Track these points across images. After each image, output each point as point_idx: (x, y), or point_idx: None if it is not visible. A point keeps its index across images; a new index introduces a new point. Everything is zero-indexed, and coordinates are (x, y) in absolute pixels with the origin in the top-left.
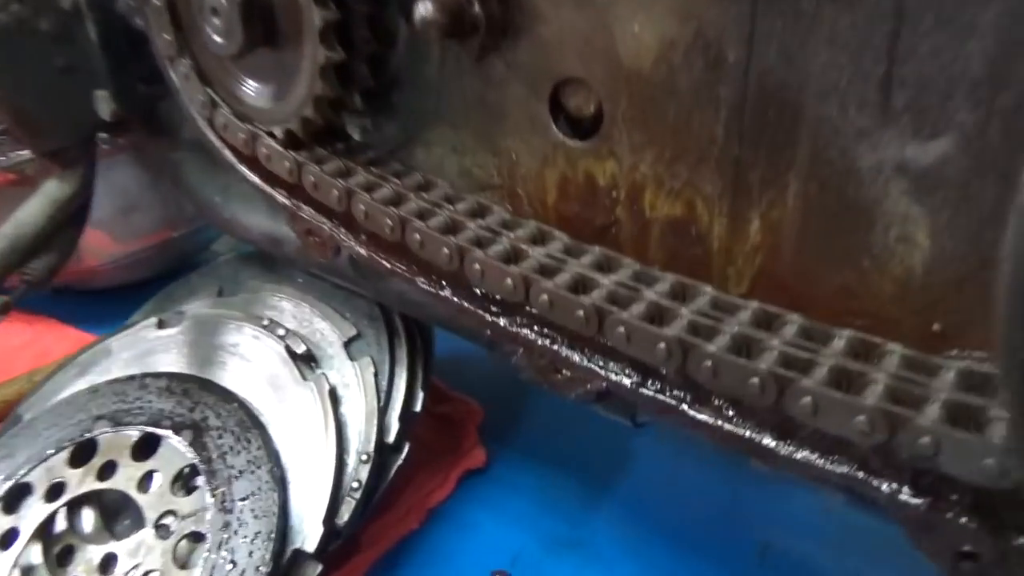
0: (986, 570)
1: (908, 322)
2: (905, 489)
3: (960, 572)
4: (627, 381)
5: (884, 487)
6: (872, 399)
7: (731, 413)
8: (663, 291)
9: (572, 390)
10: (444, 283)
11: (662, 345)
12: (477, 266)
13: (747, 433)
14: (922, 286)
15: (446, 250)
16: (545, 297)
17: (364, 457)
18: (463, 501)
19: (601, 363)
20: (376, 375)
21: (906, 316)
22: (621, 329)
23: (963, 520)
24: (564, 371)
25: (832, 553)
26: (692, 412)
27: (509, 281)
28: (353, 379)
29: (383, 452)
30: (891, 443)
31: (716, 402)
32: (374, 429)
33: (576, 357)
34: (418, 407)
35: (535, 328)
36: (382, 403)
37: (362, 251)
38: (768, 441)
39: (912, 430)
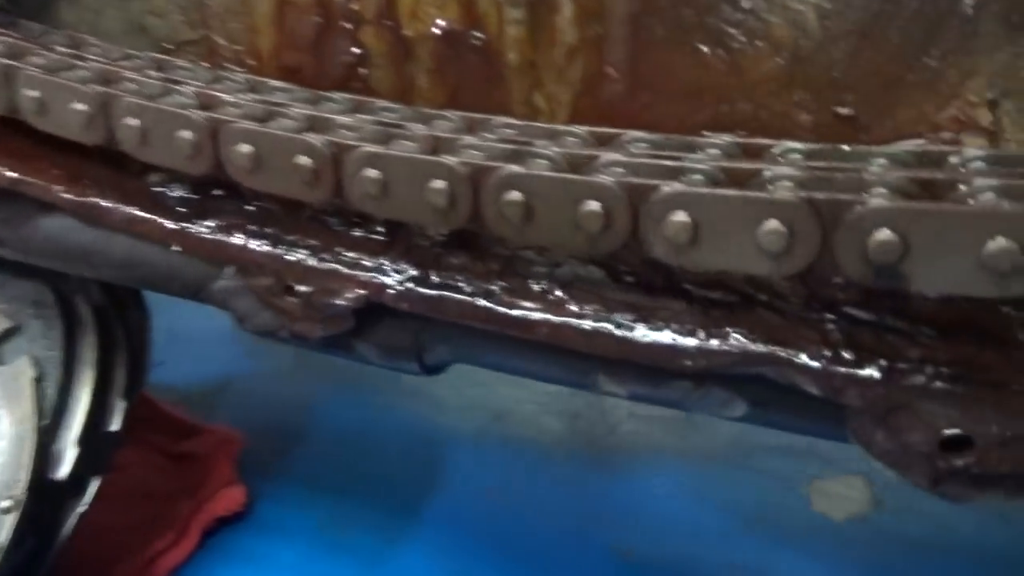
0: (985, 463)
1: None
2: (844, 354)
3: (948, 478)
4: (396, 278)
5: (811, 359)
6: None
7: (561, 295)
8: (440, 128)
9: (317, 321)
10: (104, 186)
11: (439, 184)
12: (133, 121)
13: (588, 324)
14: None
15: (82, 106)
16: (247, 150)
17: (5, 505)
18: (212, 560)
19: (353, 255)
20: (38, 380)
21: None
22: (369, 174)
23: (940, 383)
24: (299, 286)
25: (704, 551)
26: (518, 309)
27: (188, 135)
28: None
29: (48, 494)
30: (817, 268)
31: (541, 287)
32: (27, 459)
33: (313, 259)
34: (114, 424)
35: (249, 226)
36: (47, 420)
37: None
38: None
39: (855, 221)
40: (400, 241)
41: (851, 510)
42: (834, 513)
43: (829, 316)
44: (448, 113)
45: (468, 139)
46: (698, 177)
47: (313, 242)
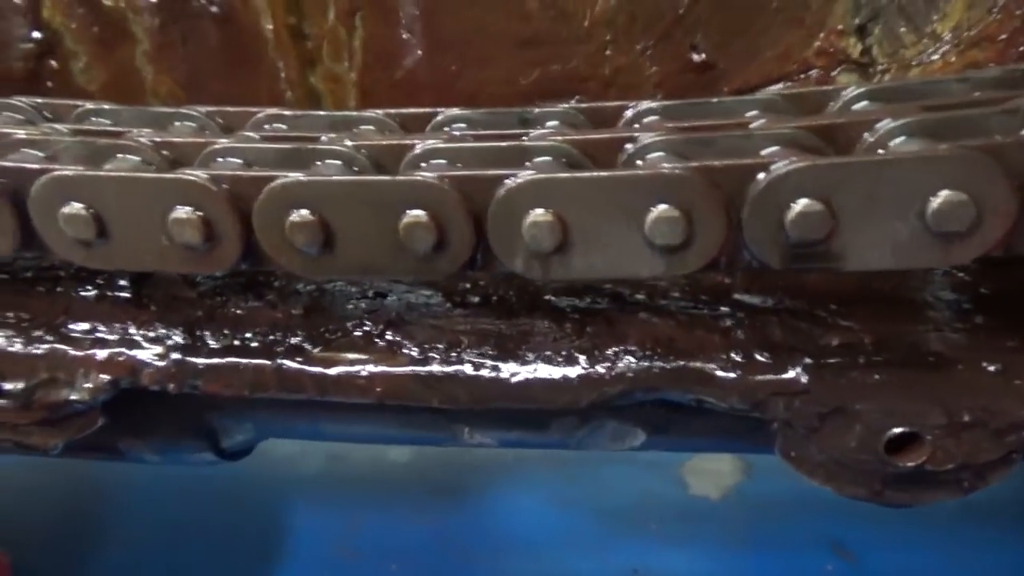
0: (937, 459)
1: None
2: (758, 356)
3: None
4: (156, 350)
5: (721, 369)
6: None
7: (392, 336)
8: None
9: (50, 427)
10: None
11: (184, 213)
12: None
13: (435, 370)
14: None
15: None
16: None
17: None
18: None
19: (85, 326)
20: None
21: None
22: (74, 210)
23: (874, 374)
24: (7, 383)
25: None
26: (337, 366)
27: None
28: None
29: None
30: (725, 260)
31: (364, 330)
32: None
33: (21, 341)
34: None
35: None
36: None
37: None
38: (492, 358)
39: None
40: (155, 297)
41: (725, 484)
42: (711, 492)
43: (723, 309)
44: (188, 110)
45: (222, 143)
46: (545, 159)
47: (20, 315)
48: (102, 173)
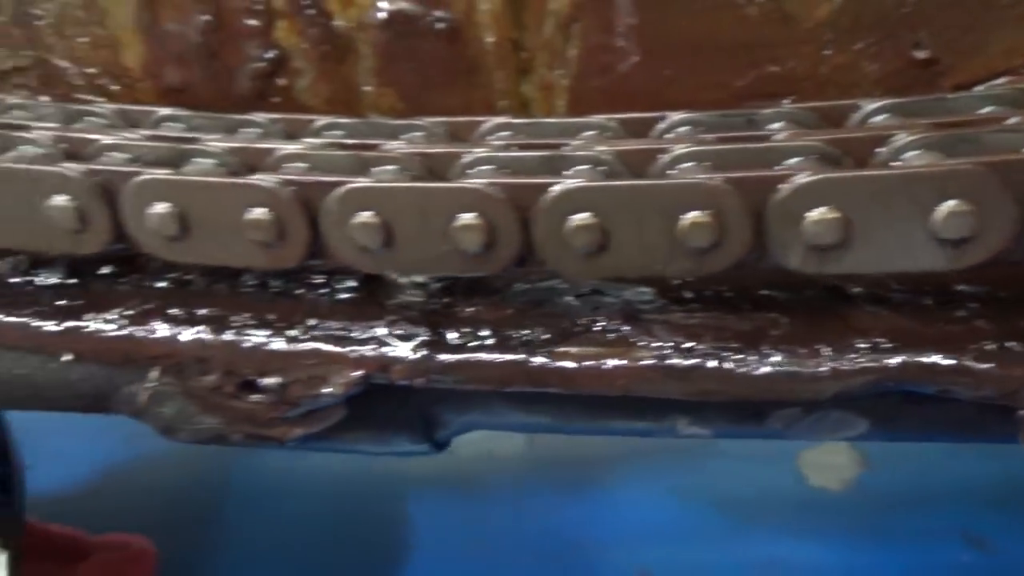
0: None
1: None
2: (1010, 345)
3: None
4: (404, 347)
5: (976, 360)
6: None
7: (628, 330)
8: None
9: (295, 420)
10: None
11: (468, 218)
12: None
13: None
14: None
15: None
16: (168, 211)
17: None
18: None
19: (335, 325)
20: None
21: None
22: (364, 217)
23: None
24: (265, 379)
25: (721, 555)
26: (570, 360)
27: (65, 201)
28: None
29: None
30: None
31: (595, 325)
32: None
33: (280, 341)
34: None
35: (171, 309)
36: None
37: None
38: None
39: None
40: (389, 298)
41: (845, 477)
42: (831, 484)
43: (949, 301)
44: (421, 121)
45: (477, 152)
46: (799, 158)
47: (271, 317)
48: (396, 184)
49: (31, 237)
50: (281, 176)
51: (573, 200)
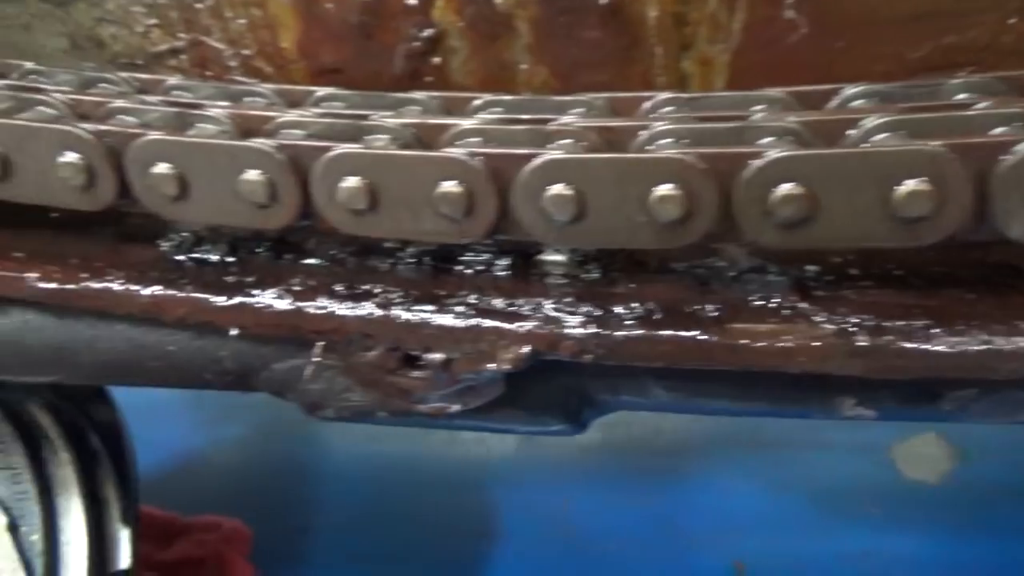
0: None
1: None
2: None
3: None
4: (572, 322)
5: None
6: None
7: (806, 306)
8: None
9: (454, 395)
10: (98, 264)
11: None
12: (163, 169)
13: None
14: None
15: (75, 157)
16: (359, 185)
17: None
18: None
19: (501, 301)
20: (13, 528)
21: None
22: (561, 189)
23: None
24: (430, 354)
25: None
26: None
27: (257, 176)
28: None
29: None
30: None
31: (772, 300)
32: None
33: (447, 316)
34: (122, 561)
35: (335, 286)
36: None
37: None
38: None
39: None
40: (543, 274)
41: (941, 469)
42: (928, 476)
43: None
44: (581, 96)
45: (657, 125)
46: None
47: (437, 292)
48: (592, 156)
49: (222, 212)
50: (470, 149)
51: (780, 169)
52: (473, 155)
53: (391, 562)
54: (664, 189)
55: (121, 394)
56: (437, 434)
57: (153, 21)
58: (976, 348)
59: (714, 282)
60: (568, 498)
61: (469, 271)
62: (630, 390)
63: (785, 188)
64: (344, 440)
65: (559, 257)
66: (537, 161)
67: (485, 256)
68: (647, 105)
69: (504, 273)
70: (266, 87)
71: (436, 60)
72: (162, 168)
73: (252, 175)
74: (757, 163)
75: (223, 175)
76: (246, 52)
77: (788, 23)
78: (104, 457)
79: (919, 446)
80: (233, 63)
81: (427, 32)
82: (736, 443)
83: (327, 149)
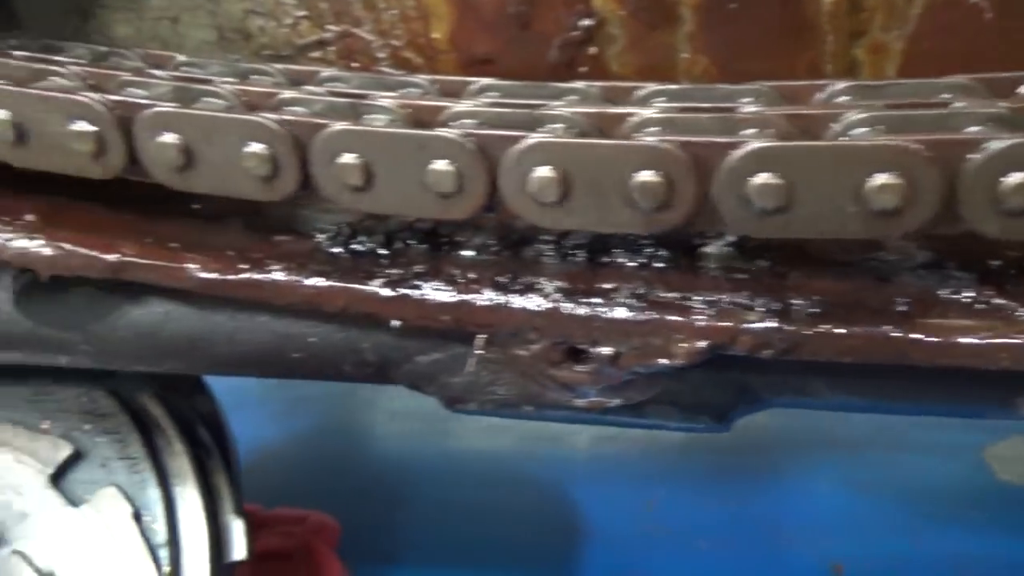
0: None
1: None
2: None
3: None
4: (752, 316)
5: None
6: None
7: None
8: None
9: (614, 389)
10: (256, 256)
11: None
12: (350, 159)
13: None
14: None
15: (260, 148)
16: (554, 175)
17: None
18: None
19: (672, 295)
20: (138, 516)
21: None
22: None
23: None
24: (597, 348)
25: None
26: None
27: (447, 167)
28: (85, 538)
29: None
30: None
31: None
32: None
33: (620, 309)
34: (238, 552)
35: (498, 277)
36: (168, 568)
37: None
38: None
39: None
40: (713, 267)
41: None
42: (1021, 479)
43: None
44: (753, 85)
45: (851, 115)
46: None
47: (603, 286)
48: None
49: (407, 202)
50: (669, 138)
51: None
52: (673, 143)
53: (474, 559)
54: (883, 177)
55: None
56: (510, 432)
57: (302, 13)
58: None
59: (892, 276)
60: (653, 497)
61: (631, 264)
62: (794, 387)
63: (1018, 177)
64: (412, 436)
65: (722, 249)
66: (742, 151)
67: (647, 249)
68: (821, 94)
69: (665, 265)
70: (421, 78)
71: (592, 50)
72: (347, 158)
73: (440, 165)
74: (988, 150)
75: (410, 165)
76: (395, 43)
77: (971, 8)
78: (214, 448)
79: (1014, 447)
80: (381, 54)
81: (587, 21)
82: (823, 443)
83: (519, 139)
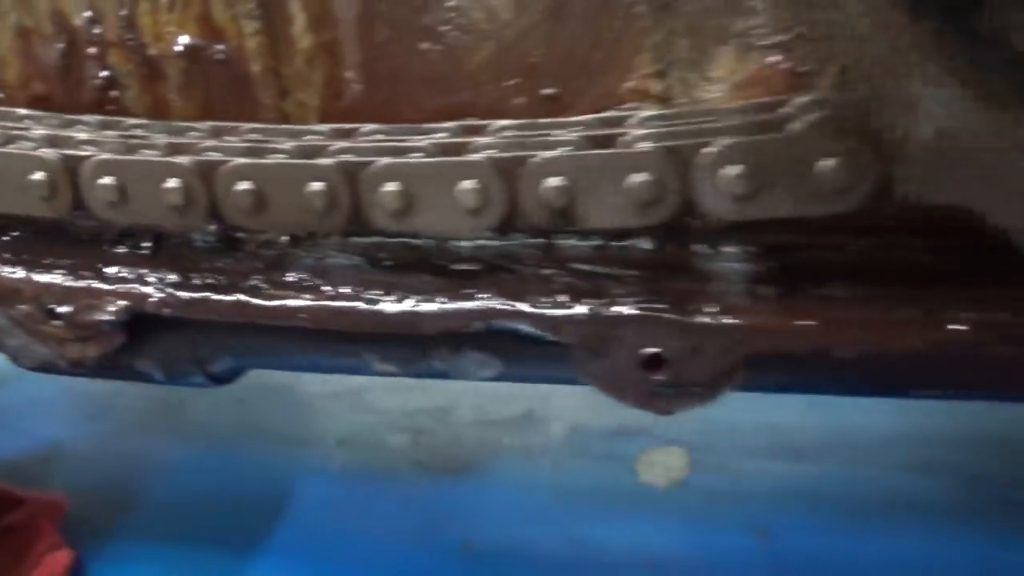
0: (679, 376)
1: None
2: (559, 299)
3: (654, 394)
4: (156, 285)
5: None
6: None
7: (320, 282)
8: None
9: (87, 342)
10: None
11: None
12: None
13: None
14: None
15: None
16: None
17: None
18: None
19: (113, 270)
20: None
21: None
22: (106, 181)
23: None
24: (60, 307)
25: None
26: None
27: None
28: None
29: None
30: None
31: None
32: None
33: (70, 278)
34: None
35: (3, 254)
36: None
37: None
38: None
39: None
40: (164, 252)
41: (673, 477)
42: (657, 481)
43: (557, 271)
44: (198, 124)
45: (210, 143)
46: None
47: (70, 262)
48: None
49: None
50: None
51: None
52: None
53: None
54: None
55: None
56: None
57: None
58: (395, 311)
59: (284, 265)
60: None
61: (113, 249)
62: (236, 349)
63: None
64: (206, 433)
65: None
66: (95, 159)
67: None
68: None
69: (136, 251)
70: None
71: (114, 93)
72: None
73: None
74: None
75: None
76: None
77: (347, 79)
78: None
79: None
80: None
81: (105, 72)
82: (521, 452)
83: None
